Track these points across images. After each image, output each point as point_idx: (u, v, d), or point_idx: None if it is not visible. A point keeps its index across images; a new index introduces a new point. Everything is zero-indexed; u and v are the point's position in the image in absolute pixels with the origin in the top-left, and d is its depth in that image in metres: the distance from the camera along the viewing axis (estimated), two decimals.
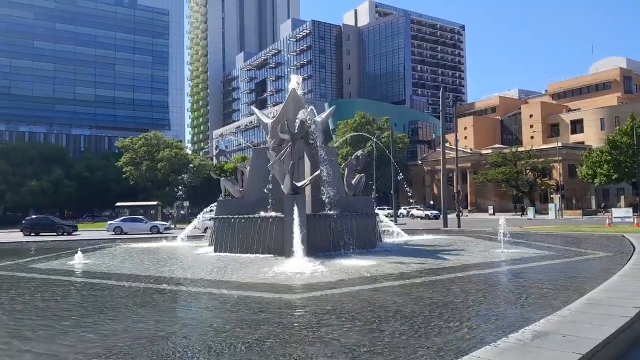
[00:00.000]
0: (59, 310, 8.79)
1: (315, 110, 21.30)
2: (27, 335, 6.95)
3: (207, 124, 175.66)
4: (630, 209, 44.06)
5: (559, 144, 67.38)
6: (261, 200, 18.55)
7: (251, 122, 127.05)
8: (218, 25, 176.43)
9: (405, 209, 68.40)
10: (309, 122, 19.17)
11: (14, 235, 38.75)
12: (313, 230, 16.86)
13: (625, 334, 5.59)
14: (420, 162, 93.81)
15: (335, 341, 6.18)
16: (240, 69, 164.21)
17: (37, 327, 7.50)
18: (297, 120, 18.83)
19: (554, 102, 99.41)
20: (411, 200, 66.23)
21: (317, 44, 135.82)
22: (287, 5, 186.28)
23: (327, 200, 17.67)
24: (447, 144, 46.46)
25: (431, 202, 79.39)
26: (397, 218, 49.42)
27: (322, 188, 17.76)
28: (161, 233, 37.38)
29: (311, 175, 18.14)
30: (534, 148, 73.78)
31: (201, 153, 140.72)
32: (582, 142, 78.57)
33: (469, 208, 79.01)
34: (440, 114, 41.21)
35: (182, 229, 32.66)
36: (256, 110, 25.78)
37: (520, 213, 65.29)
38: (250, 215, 18.26)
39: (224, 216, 19.48)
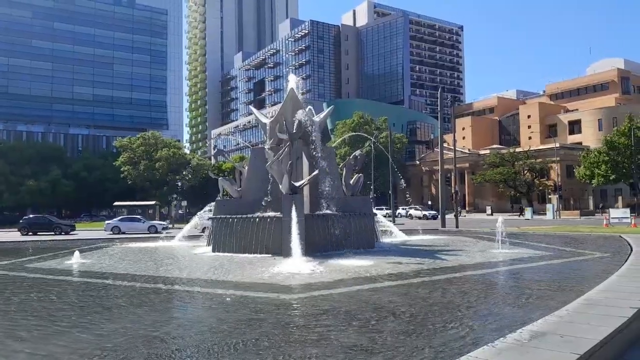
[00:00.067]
0: (54, 310, 8.74)
1: (313, 110, 21.27)
2: (21, 335, 6.90)
3: (206, 123, 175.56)
4: (628, 210, 44.15)
5: (557, 145, 67.47)
6: (259, 200, 18.52)
7: (249, 121, 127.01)
8: (217, 25, 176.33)
9: (403, 209, 68.40)
10: (307, 122, 19.15)
11: (12, 235, 38.63)
12: (311, 230, 16.83)
13: (623, 334, 5.58)
14: (418, 162, 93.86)
15: (333, 341, 6.16)
16: (238, 69, 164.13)
17: (32, 327, 7.45)
18: (295, 120, 18.81)
19: (552, 102, 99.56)
20: (408, 198, 66.24)
21: (315, 44, 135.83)
22: (285, 5, 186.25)
23: (325, 200, 17.65)
24: (445, 145, 46.52)
25: (429, 203, 79.44)
26: (395, 218, 49.40)
27: (320, 188, 17.74)
28: (159, 233, 37.35)
29: (309, 175, 18.12)
30: (531, 148, 73.90)
31: (199, 153, 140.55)
32: (580, 143, 78.72)
33: (467, 208, 79.06)
34: (439, 114, 41.25)
35: (180, 228, 32.62)
36: (254, 110, 25.73)
37: (518, 213, 65.37)
38: (248, 215, 18.23)
39: (222, 216, 19.43)
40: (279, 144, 19.46)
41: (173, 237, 27.27)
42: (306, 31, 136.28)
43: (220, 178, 23.31)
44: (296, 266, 13.40)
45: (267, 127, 20.72)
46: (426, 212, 63.57)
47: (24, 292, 10.95)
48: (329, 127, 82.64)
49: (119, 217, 43.92)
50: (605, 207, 60.45)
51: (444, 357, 5.42)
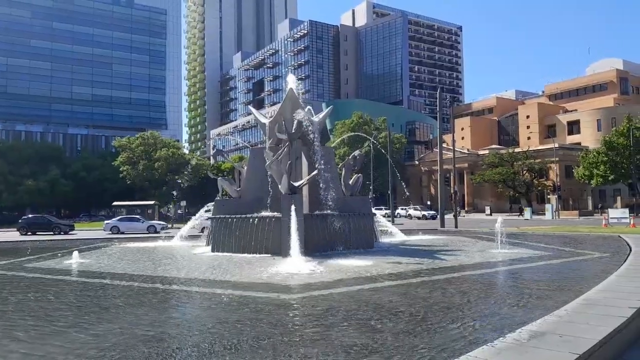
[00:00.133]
0: (52, 310, 8.71)
1: (312, 111, 21.26)
2: (18, 335, 6.87)
3: (205, 123, 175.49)
4: (627, 210, 44.27)
5: (556, 145, 67.53)
6: (259, 200, 18.51)
7: (248, 121, 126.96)
8: (216, 25, 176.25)
9: (402, 209, 68.44)
10: (306, 122, 19.14)
11: (11, 235, 38.58)
12: (310, 230, 16.83)
13: (622, 334, 5.57)
14: (417, 162, 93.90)
15: (334, 341, 6.14)
16: (237, 69, 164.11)
17: (30, 327, 7.42)
18: (294, 121, 18.80)
19: (551, 103, 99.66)
20: (407, 197, 66.24)
21: (314, 44, 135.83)
22: (284, 5, 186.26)
23: (324, 200, 17.63)
24: (444, 145, 46.54)
25: (428, 203, 79.48)
26: (395, 218, 49.43)
27: (319, 188, 17.73)
28: (158, 233, 37.33)
29: (309, 175, 18.10)
30: (530, 149, 73.94)
31: (198, 153, 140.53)
32: (579, 143, 78.78)
33: (466, 208, 79.12)
34: (438, 115, 41.24)
35: (179, 228, 32.57)
36: (254, 110, 25.71)
37: (517, 214, 65.42)
38: (247, 215, 18.22)
39: (222, 216, 19.42)
40: (278, 144, 19.44)
41: (172, 237, 27.24)
42: (305, 31, 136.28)
43: (220, 178, 23.27)
44: (295, 266, 13.37)
45: (266, 127, 20.70)
46: (425, 212, 63.59)
47: (21, 292, 10.93)
48: (328, 127, 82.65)
49: (118, 217, 43.88)
50: (604, 207, 60.56)
51: (443, 356, 5.40)
